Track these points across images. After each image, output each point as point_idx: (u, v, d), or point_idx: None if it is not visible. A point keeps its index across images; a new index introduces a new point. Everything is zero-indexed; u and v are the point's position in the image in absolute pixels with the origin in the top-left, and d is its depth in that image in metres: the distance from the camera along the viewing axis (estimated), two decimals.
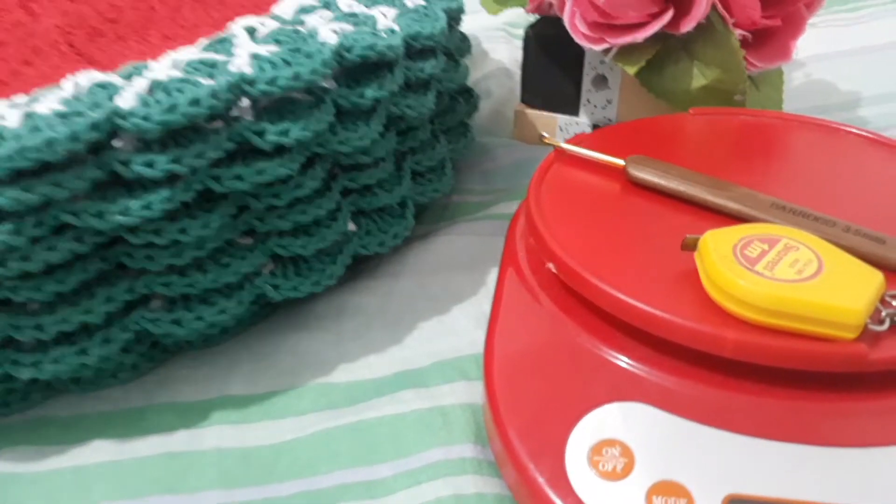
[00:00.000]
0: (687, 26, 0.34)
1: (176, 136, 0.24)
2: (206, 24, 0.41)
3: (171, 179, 0.24)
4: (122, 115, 0.23)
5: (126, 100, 0.24)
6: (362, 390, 0.29)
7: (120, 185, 0.24)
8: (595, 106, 0.42)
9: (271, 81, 0.26)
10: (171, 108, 0.23)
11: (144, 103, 0.24)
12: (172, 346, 0.30)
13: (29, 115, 0.23)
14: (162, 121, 0.23)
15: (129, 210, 0.24)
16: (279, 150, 0.27)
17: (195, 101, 0.24)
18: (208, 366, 0.30)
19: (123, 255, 0.26)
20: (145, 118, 0.23)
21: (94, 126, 0.23)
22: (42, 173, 0.22)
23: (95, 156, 0.24)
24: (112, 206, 0.24)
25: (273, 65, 0.26)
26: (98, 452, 0.27)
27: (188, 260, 0.27)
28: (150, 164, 0.24)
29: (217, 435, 0.27)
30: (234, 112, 0.26)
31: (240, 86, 0.25)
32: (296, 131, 0.26)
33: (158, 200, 0.24)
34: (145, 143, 0.24)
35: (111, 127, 0.23)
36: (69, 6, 0.44)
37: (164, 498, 0.25)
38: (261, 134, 0.26)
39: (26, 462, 0.27)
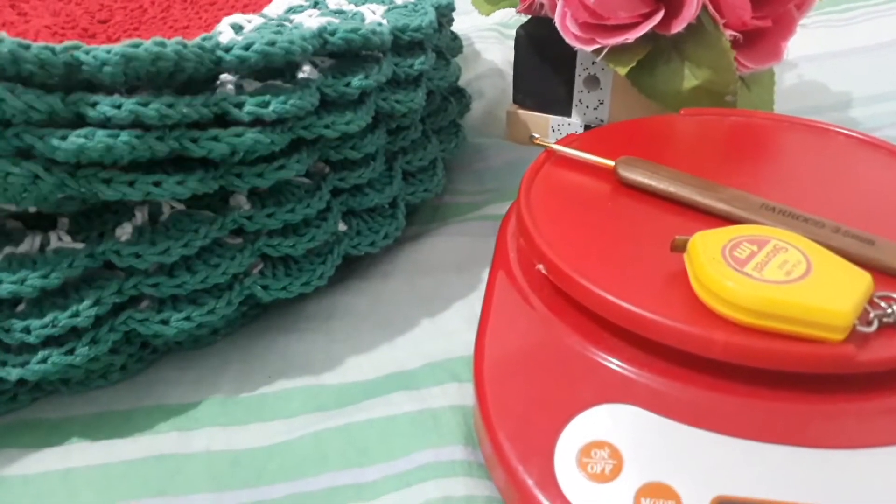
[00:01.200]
0: (677, 27, 0.34)
1: (149, 86, 0.24)
2: (197, 26, 0.41)
3: (138, 125, 0.24)
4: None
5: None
6: (352, 392, 0.28)
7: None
8: (587, 106, 0.42)
9: (247, 47, 0.25)
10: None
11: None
12: (162, 347, 0.30)
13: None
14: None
15: (94, 134, 0.23)
16: (259, 124, 0.27)
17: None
18: (198, 367, 0.30)
19: (111, 254, 0.26)
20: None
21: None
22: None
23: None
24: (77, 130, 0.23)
25: (251, 39, 0.26)
26: (87, 455, 0.27)
27: (176, 258, 0.26)
28: (117, 106, 0.23)
29: (206, 437, 0.27)
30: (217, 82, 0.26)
31: (214, 51, 0.25)
32: (276, 104, 0.26)
33: (126, 135, 0.23)
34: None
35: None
36: (60, 7, 0.44)
37: (153, 501, 0.25)
38: (240, 106, 0.26)
39: (14, 464, 0.26)
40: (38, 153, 0.23)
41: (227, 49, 0.25)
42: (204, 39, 0.26)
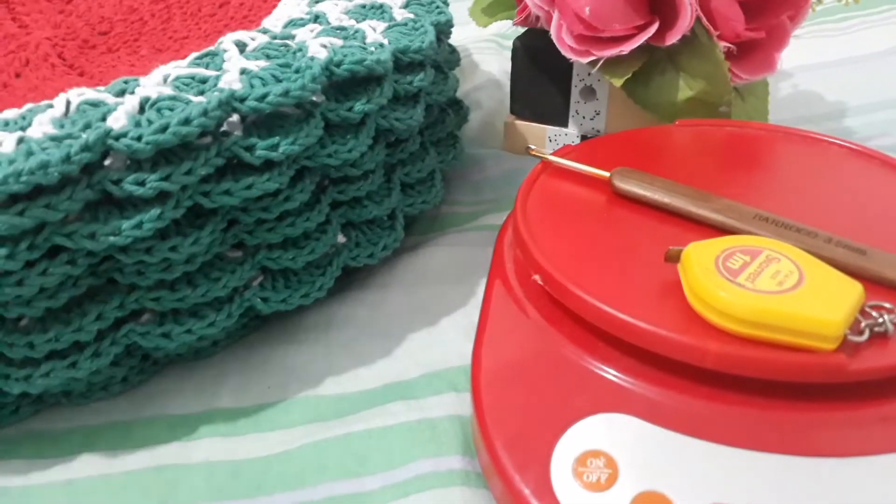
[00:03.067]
0: (672, 39, 0.34)
1: (166, 153, 0.25)
2: (197, 37, 0.42)
3: (160, 197, 0.25)
4: (115, 136, 0.24)
5: (117, 119, 0.24)
6: (351, 402, 0.29)
7: (111, 204, 0.25)
8: (584, 117, 0.42)
9: (261, 98, 0.26)
10: (163, 129, 0.24)
11: (136, 123, 0.24)
12: (162, 359, 0.30)
13: (22, 140, 0.23)
14: (153, 141, 0.24)
15: (120, 230, 0.24)
16: (268, 165, 0.27)
17: (186, 121, 0.24)
18: (198, 378, 0.30)
19: (114, 271, 0.26)
20: (137, 138, 0.23)
21: (87, 147, 0.23)
22: (35, 196, 0.23)
23: (88, 176, 0.24)
24: (103, 226, 0.24)
25: (263, 81, 0.27)
26: (88, 466, 0.27)
27: (178, 274, 0.27)
28: (140, 183, 0.24)
29: (207, 448, 0.27)
30: (224, 127, 0.26)
31: (230, 103, 0.26)
32: (285, 146, 0.26)
33: (149, 219, 0.24)
34: (136, 162, 0.24)
35: (103, 148, 0.24)
36: (60, 18, 0.45)
37: None
38: (250, 149, 0.26)
39: (17, 476, 0.27)
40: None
41: (242, 100, 0.26)
42: (213, 88, 0.26)
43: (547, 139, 0.44)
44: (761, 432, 0.22)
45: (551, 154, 0.32)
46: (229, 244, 0.28)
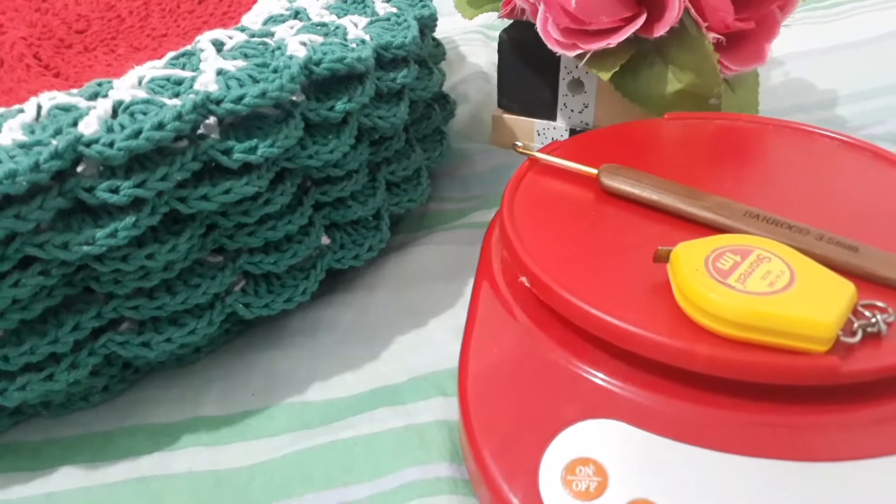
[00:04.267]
0: (660, 31, 0.33)
1: (140, 159, 0.24)
2: (175, 34, 0.41)
3: (135, 204, 0.24)
4: (86, 142, 0.23)
5: (89, 125, 0.23)
6: (337, 409, 0.28)
7: (84, 212, 0.24)
8: (572, 110, 0.42)
9: (237, 100, 0.25)
10: (136, 134, 0.23)
11: (108, 129, 0.23)
12: (144, 367, 0.30)
13: None
14: (126, 147, 0.23)
15: (94, 238, 0.23)
16: (247, 168, 0.26)
17: (160, 125, 0.23)
18: (180, 386, 0.30)
19: (90, 280, 0.26)
20: (109, 145, 0.23)
21: (56, 155, 0.22)
22: (4, 206, 0.22)
23: (59, 184, 0.23)
24: (77, 235, 0.23)
25: (239, 82, 0.26)
26: (69, 478, 0.26)
27: (157, 282, 0.26)
28: (114, 190, 0.23)
29: (189, 457, 0.27)
30: (201, 130, 0.26)
31: (205, 105, 0.25)
32: (263, 148, 0.26)
33: (124, 227, 0.23)
34: (109, 169, 0.24)
35: (74, 155, 0.23)
36: (37, 17, 0.43)
37: None
38: (227, 152, 0.25)
39: None
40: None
41: (218, 102, 0.25)
42: (188, 90, 0.25)
43: (535, 133, 0.44)
44: (753, 437, 0.21)
45: (538, 150, 0.32)
46: (209, 249, 0.28)
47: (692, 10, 0.34)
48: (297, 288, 0.30)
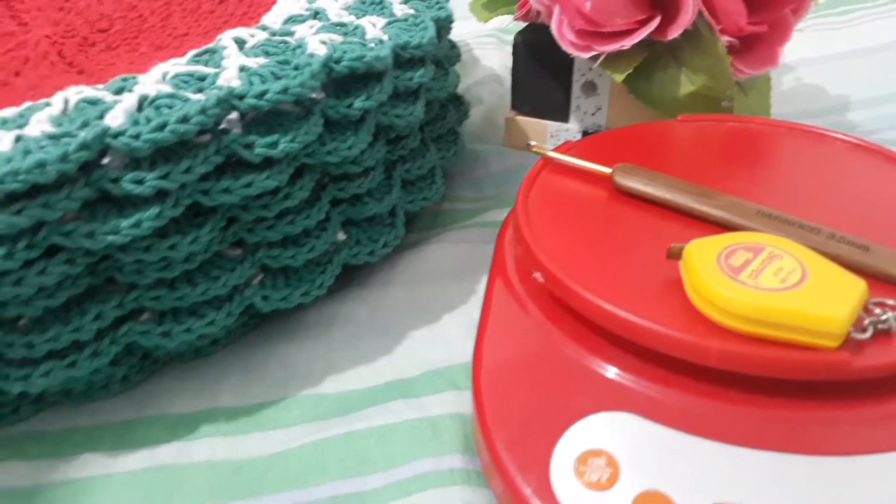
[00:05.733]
0: (674, 33, 0.34)
1: (165, 152, 0.24)
2: (196, 34, 0.41)
3: (159, 195, 0.24)
4: (112, 134, 0.23)
5: (115, 118, 0.24)
6: (352, 401, 0.29)
7: (109, 203, 0.25)
8: (585, 112, 0.42)
9: (260, 95, 0.26)
10: (161, 126, 0.23)
11: (134, 121, 0.24)
12: (163, 358, 0.30)
13: (19, 138, 0.23)
14: (152, 139, 0.23)
15: (118, 228, 0.24)
16: (268, 163, 0.27)
17: (184, 118, 0.24)
18: (198, 377, 0.30)
19: (113, 270, 0.26)
20: (135, 137, 0.23)
21: (84, 146, 0.23)
22: (33, 195, 0.22)
23: (85, 175, 0.24)
24: (102, 225, 0.24)
25: (262, 78, 0.26)
26: (89, 466, 0.27)
27: (178, 273, 0.27)
28: (139, 182, 0.24)
29: (207, 447, 0.27)
30: (223, 125, 0.26)
31: (228, 100, 0.26)
32: (284, 143, 0.26)
33: (147, 218, 0.24)
34: (134, 160, 0.24)
35: (101, 146, 0.23)
36: (60, 16, 0.44)
37: None
38: (249, 147, 0.26)
39: (18, 477, 0.27)
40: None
41: (241, 97, 0.26)
42: (211, 86, 0.26)
43: (548, 135, 0.44)
44: (764, 430, 0.21)
45: (552, 150, 0.32)
46: (229, 242, 0.28)
47: (706, 13, 0.34)
48: (314, 282, 0.30)
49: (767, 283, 0.22)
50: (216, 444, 0.27)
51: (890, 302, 0.22)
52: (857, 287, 0.22)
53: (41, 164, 0.22)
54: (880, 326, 0.22)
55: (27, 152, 0.22)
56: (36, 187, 0.23)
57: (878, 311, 0.22)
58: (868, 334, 0.21)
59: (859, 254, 0.24)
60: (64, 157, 0.22)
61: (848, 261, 0.24)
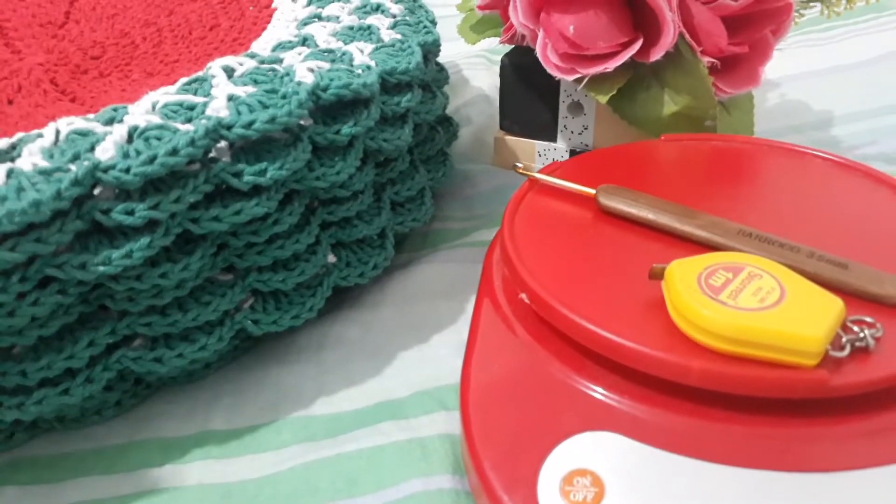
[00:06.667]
0: (656, 55, 0.34)
1: (155, 182, 0.25)
2: (187, 60, 0.42)
3: (150, 225, 0.25)
4: (103, 168, 0.24)
5: (106, 150, 0.24)
6: (342, 422, 0.29)
7: (100, 233, 0.25)
8: (572, 132, 0.43)
9: (248, 125, 0.26)
10: (151, 160, 0.24)
11: (124, 154, 0.24)
12: (155, 382, 0.31)
13: (11, 173, 0.23)
14: (142, 172, 0.24)
15: (110, 259, 0.24)
16: (256, 190, 0.27)
17: (174, 151, 0.24)
18: (190, 401, 0.31)
19: (105, 298, 0.26)
20: (125, 170, 0.24)
21: (76, 182, 0.23)
22: (26, 231, 0.23)
23: (77, 207, 0.24)
24: (94, 256, 0.24)
25: (249, 107, 0.27)
26: (82, 491, 0.27)
27: (169, 300, 0.27)
28: (129, 213, 0.24)
29: (199, 470, 0.27)
30: (212, 154, 0.27)
31: (217, 130, 0.26)
32: (273, 171, 0.27)
33: (139, 248, 0.24)
34: (125, 192, 0.25)
35: (93, 181, 0.24)
36: (53, 44, 0.45)
37: None
38: (238, 175, 0.26)
39: (11, 503, 0.27)
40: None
41: (229, 127, 0.26)
42: (200, 116, 0.26)
43: (536, 154, 0.45)
44: (746, 448, 0.22)
45: (538, 171, 0.33)
46: (219, 268, 0.29)
47: (687, 35, 0.35)
48: (304, 305, 0.31)
49: (746, 302, 0.22)
50: (208, 467, 0.28)
51: (868, 319, 0.23)
52: (834, 306, 0.22)
53: (36, 205, 0.22)
54: (858, 344, 0.22)
55: (20, 190, 0.23)
56: (29, 224, 0.23)
57: (855, 328, 0.22)
58: (846, 352, 0.22)
59: (838, 272, 0.25)
60: (57, 195, 0.23)
61: (827, 279, 0.24)
